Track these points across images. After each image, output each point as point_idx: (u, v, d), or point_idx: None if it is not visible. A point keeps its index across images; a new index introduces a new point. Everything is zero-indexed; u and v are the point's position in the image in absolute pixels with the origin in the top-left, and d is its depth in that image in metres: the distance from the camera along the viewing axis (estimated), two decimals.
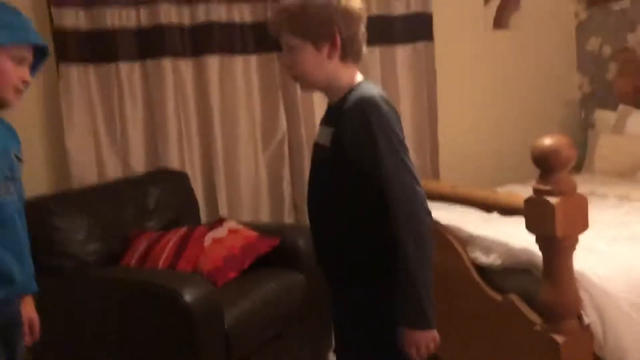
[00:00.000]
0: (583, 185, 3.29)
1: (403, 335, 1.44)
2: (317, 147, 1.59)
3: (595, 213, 2.66)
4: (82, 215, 2.56)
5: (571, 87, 4.41)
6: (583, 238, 2.22)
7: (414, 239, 1.40)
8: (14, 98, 1.51)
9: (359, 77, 1.55)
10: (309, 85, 1.57)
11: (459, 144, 4.02)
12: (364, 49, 1.57)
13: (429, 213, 1.46)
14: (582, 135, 4.17)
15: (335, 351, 1.74)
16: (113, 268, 2.45)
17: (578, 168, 3.97)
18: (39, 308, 1.66)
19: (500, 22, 4.15)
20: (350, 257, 1.51)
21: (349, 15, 1.48)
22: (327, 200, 1.53)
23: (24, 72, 1.52)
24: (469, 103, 4.09)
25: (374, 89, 1.49)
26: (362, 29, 1.54)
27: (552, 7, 4.27)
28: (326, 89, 1.55)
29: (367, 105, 1.43)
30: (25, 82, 1.53)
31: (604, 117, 3.92)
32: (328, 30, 1.45)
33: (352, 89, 1.50)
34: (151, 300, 2.14)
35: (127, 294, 2.21)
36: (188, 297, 2.04)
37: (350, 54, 1.50)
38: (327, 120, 1.58)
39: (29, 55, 1.53)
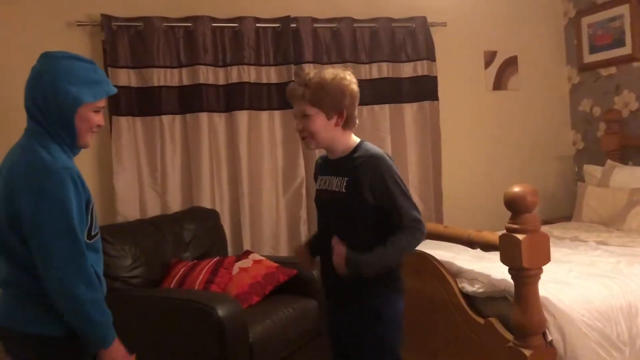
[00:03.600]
0: (570, 231, 3.71)
1: (345, 256, 1.83)
2: (326, 193, 1.99)
3: (573, 254, 3.08)
4: (129, 244, 2.98)
5: (566, 144, 4.80)
6: (556, 273, 2.62)
7: (408, 247, 1.89)
8: (90, 140, 1.74)
9: (355, 139, 1.99)
10: (315, 144, 1.95)
11: (461, 193, 4.40)
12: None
13: (424, 233, 1.92)
14: (575, 187, 4.54)
15: None
16: (155, 289, 2.87)
17: (569, 217, 4.34)
18: None
19: (499, 84, 4.60)
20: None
21: (353, 97, 1.94)
22: (343, 231, 1.92)
23: (100, 118, 1.74)
24: (470, 156, 4.50)
25: (377, 148, 1.95)
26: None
27: (547, 71, 4.72)
28: (329, 148, 1.98)
29: (378, 161, 1.89)
30: (99, 126, 1.75)
31: (593, 171, 4.29)
32: (338, 106, 1.90)
33: (355, 148, 1.94)
34: (189, 314, 2.54)
35: (168, 310, 2.61)
36: (221, 312, 2.44)
37: (349, 124, 1.96)
38: (333, 171, 1.98)
39: (104, 104, 1.75)
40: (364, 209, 1.89)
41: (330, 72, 1.92)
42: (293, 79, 3.85)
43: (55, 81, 1.63)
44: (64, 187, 1.58)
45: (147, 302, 2.68)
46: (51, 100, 1.63)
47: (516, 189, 2.18)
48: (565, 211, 4.52)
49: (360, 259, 1.84)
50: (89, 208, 1.67)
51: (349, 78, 1.93)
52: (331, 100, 1.88)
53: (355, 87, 1.94)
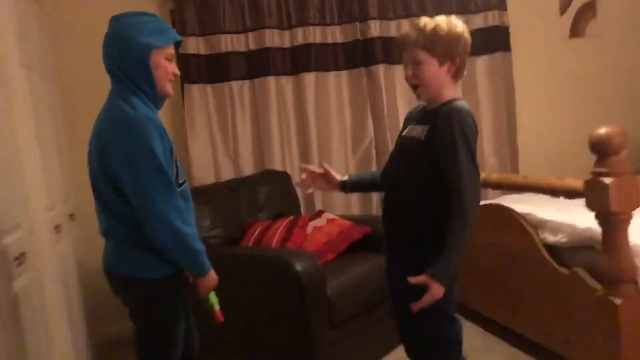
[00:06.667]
0: None
1: (431, 283, 1.74)
2: (406, 139, 1.96)
3: None
4: (207, 206, 3.07)
5: None
6: None
7: (465, 222, 1.75)
8: (170, 90, 1.84)
9: (458, 94, 1.94)
10: (424, 93, 1.88)
11: (537, 149, 4.22)
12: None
13: (474, 213, 1.78)
14: None
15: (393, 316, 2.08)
16: (235, 247, 2.95)
17: None
18: None
19: (576, 30, 4.35)
20: (418, 225, 1.85)
21: (466, 45, 1.87)
22: (407, 179, 1.89)
23: (174, 66, 1.83)
24: (547, 109, 4.30)
25: (465, 105, 1.86)
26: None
27: (629, 15, 4.40)
28: (434, 97, 1.90)
29: (456, 114, 1.80)
30: (176, 75, 1.83)
31: None
32: (451, 52, 1.83)
33: (450, 100, 1.87)
34: (268, 270, 2.59)
35: (248, 267, 2.68)
36: (298, 267, 2.48)
37: (458, 75, 1.90)
38: (422, 121, 1.93)
39: (174, 52, 1.84)
40: (433, 163, 1.82)
41: (443, 19, 1.87)
42: (358, 37, 3.80)
43: (126, 35, 1.74)
44: (149, 135, 1.67)
45: (227, 260, 2.74)
46: (126, 52, 1.74)
47: (603, 130, 2.06)
48: None
49: (444, 270, 1.76)
50: (172, 157, 1.76)
51: (462, 26, 1.89)
52: (444, 46, 1.82)
53: (468, 35, 1.88)
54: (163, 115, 3.53)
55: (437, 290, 1.76)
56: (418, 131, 1.90)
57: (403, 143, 1.99)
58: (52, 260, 2.55)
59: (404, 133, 2.02)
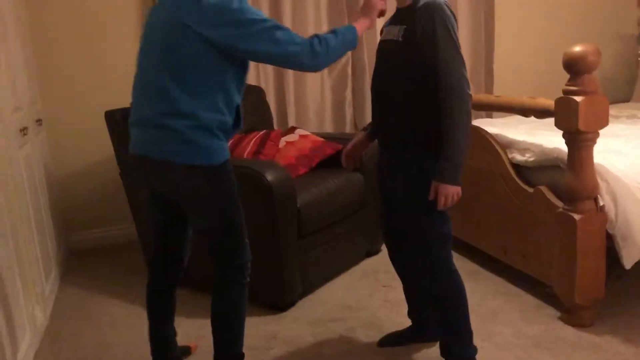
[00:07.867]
0: (628, 110, 3.57)
1: (437, 188, 1.81)
2: (385, 43, 1.94)
3: (630, 129, 2.99)
4: None
5: (629, 22, 4.50)
6: (612, 144, 2.55)
7: (461, 114, 1.77)
8: None
9: None
10: None
11: (512, 73, 4.23)
12: None
13: (470, 95, 1.80)
14: (637, 70, 4.30)
15: (381, 215, 2.15)
16: None
17: (627, 100, 4.16)
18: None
19: None
20: (411, 125, 1.87)
21: None
22: (394, 82, 1.89)
23: None
24: (524, 33, 4.28)
25: None
26: None
27: None
28: None
29: (433, 7, 1.79)
30: None
31: None
32: None
33: None
34: (239, 180, 2.59)
35: None
36: (269, 177, 2.49)
37: None
38: (396, 20, 1.92)
39: None
40: (417, 60, 1.81)
41: None
42: None
43: None
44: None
45: None
46: None
47: (577, 47, 2.06)
48: (624, 95, 4.33)
49: (452, 167, 1.79)
50: None
51: None
52: None
53: None
54: None
55: (449, 190, 1.80)
56: (394, 32, 1.89)
57: (382, 47, 1.98)
58: (18, 162, 2.51)
59: (382, 37, 2.00)
